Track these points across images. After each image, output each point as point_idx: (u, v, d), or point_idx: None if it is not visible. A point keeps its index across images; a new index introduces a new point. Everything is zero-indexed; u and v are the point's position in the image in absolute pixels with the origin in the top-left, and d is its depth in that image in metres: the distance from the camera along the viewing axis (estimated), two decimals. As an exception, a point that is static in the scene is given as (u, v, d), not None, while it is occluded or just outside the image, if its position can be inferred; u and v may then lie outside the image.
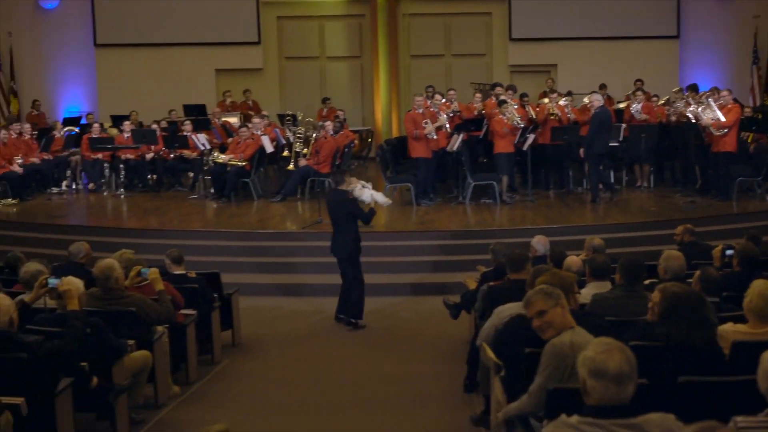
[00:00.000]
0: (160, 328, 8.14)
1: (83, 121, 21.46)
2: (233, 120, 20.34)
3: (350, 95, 23.76)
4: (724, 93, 15.92)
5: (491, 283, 8.55)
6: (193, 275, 9.89)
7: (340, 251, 11.18)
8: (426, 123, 15.70)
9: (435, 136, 15.95)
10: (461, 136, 15.95)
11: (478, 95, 18.05)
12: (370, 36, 23.21)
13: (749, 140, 17.23)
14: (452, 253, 13.63)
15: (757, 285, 5.82)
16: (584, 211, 15.54)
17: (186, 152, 18.24)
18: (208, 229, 14.56)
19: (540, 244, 10.18)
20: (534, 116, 16.88)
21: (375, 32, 22.96)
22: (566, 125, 16.78)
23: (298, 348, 10.47)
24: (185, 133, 18.28)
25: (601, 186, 16.18)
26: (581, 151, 16.00)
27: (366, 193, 11.16)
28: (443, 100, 16.76)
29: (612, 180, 16.72)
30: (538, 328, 5.45)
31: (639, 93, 17.89)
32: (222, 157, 16.87)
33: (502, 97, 16.59)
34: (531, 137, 16.26)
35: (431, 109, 16.17)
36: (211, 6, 23.17)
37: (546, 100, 17.71)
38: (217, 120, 19.84)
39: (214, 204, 16.60)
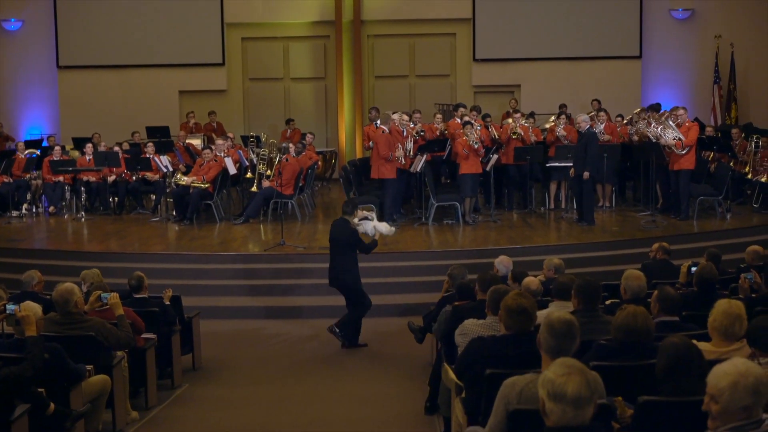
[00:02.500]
0: (119, 353, 8.06)
1: (44, 144, 21.27)
2: (196, 142, 20.28)
3: (314, 116, 23.73)
4: (680, 112, 16.07)
5: (456, 303, 8.53)
6: (170, 294, 9.87)
7: (335, 282, 11.27)
8: (398, 147, 15.71)
9: (403, 162, 15.97)
10: (424, 156, 15.96)
11: (439, 116, 18.07)
12: (334, 57, 23.23)
13: (710, 159, 17.37)
14: (415, 274, 13.61)
15: (721, 304, 5.86)
16: (547, 231, 15.59)
17: (148, 174, 18.12)
18: (170, 252, 14.45)
19: (502, 264, 10.22)
20: (497, 137, 16.92)
21: (339, 53, 22.97)
22: (529, 145, 16.83)
23: (260, 371, 10.40)
24: (148, 155, 18.17)
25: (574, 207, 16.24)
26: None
27: (368, 225, 11.19)
28: (411, 124, 16.75)
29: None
30: None
31: (602, 114, 17.95)
32: (184, 179, 16.77)
33: (466, 118, 16.60)
34: (494, 158, 16.31)
35: (398, 129, 16.12)
36: (175, 27, 23.12)
37: (509, 121, 17.77)
38: (180, 142, 19.75)
39: (176, 226, 16.49)
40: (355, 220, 10.99)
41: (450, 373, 6.72)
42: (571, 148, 16.42)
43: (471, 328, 6.83)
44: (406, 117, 16.53)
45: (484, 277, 8.02)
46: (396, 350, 11.18)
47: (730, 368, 4.00)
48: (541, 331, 5.03)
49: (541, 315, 7.02)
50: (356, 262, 11.22)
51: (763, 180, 16.88)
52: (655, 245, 11.25)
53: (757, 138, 17.25)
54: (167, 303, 9.78)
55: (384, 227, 11.45)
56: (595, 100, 19.99)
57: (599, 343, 6.03)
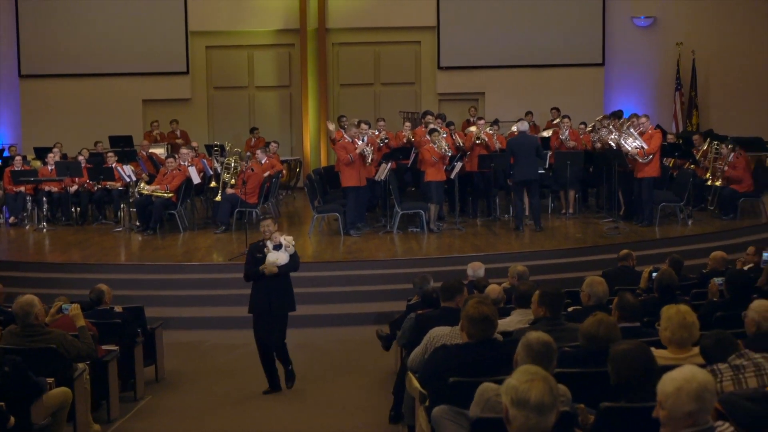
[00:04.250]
0: (80, 365, 7.98)
1: (6, 154, 21.08)
2: (160, 151, 20.16)
3: (279, 125, 23.70)
4: (643, 120, 16.20)
5: (419, 312, 8.53)
6: (120, 310, 9.76)
7: (288, 306, 10.20)
8: (356, 146, 15.66)
9: (369, 153, 15.87)
10: (389, 164, 15.97)
11: (408, 124, 18.10)
12: (299, 65, 23.20)
13: (671, 165, 17.51)
14: (380, 282, 13.60)
15: (674, 315, 5.86)
16: (510, 238, 15.61)
17: (111, 184, 17.97)
18: (133, 263, 14.39)
19: (472, 269, 10.29)
20: (461, 144, 16.96)
21: (304, 62, 22.95)
22: (493, 153, 16.87)
23: (223, 382, 10.34)
24: (110, 165, 18.04)
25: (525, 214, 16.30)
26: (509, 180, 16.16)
27: (271, 255, 9.85)
28: (375, 132, 16.75)
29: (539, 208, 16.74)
30: None
31: (566, 120, 18.03)
32: (148, 189, 16.68)
33: (432, 126, 16.62)
34: (458, 165, 16.34)
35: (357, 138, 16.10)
36: (138, 36, 23.02)
37: (473, 128, 17.82)
38: (143, 151, 19.63)
39: (140, 236, 16.41)
40: (269, 243, 9.91)
41: (414, 382, 6.72)
42: (494, 157, 16.56)
43: (439, 336, 6.82)
44: (365, 126, 16.44)
45: (447, 285, 8.02)
46: (361, 359, 11.17)
47: (677, 374, 4.04)
48: (519, 351, 5.08)
49: (503, 323, 7.06)
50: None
51: (717, 184, 17.08)
52: (623, 251, 11.34)
53: (717, 144, 17.39)
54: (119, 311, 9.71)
55: (282, 257, 9.97)
56: (554, 108, 20.10)
57: (563, 350, 6.04)
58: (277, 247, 9.76)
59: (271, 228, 9.84)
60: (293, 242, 9.94)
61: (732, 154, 16.85)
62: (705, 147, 17.98)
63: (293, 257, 9.89)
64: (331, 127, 17.99)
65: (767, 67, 23.20)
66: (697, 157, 17.60)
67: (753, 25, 23.17)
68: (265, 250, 9.72)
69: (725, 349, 5.47)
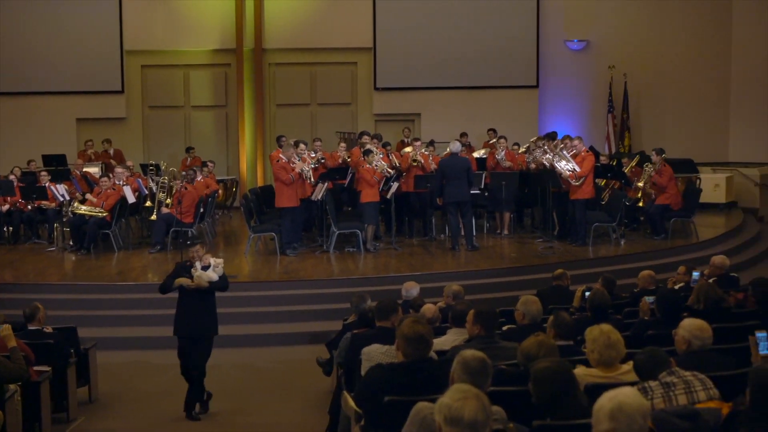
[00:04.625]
0: (12, 387, 7.87)
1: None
2: (94, 170, 19.96)
3: (215, 144, 23.59)
4: (575, 142, 16.43)
5: (355, 331, 8.56)
6: (50, 330, 9.64)
7: (213, 329, 10.02)
8: (293, 164, 15.66)
9: (308, 172, 15.90)
10: (326, 184, 15.99)
11: (343, 144, 18.16)
12: (235, 85, 23.15)
13: (603, 185, 17.73)
14: (317, 302, 13.61)
15: (598, 336, 5.96)
16: (446, 258, 15.71)
17: (44, 203, 17.75)
18: (66, 283, 14.20)
19: (407, 290, 10.34)
20: (398, 164, 17.05)
21: (240, 81, 22.91)
22: (429, 173, 16.96)
23: (158, 403, 10.26)
24: (44, 184, 17.81)
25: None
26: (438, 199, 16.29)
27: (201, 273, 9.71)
28: (311, 153, 16.76)
29: (473, 228, 16.85)
30: None
31: (502, 141, 18.20)
32: (82, 208, 16.52)
33: (369, 147, 16.68)
34: (395, 185, 16.41)
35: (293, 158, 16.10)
36: (73, 54, 22.78)
37: (409, 149, 17.93)
38: (77, 170, 19.42)
39: (73, 256, 16.23)
40: (197, 264, 9.75)
41: (350, 401, 6.72)
42: (430, 177, 16.69)
43: (375, 355, 6.85)
44: (303, 147, 16.45)
45: (382, 305, 8.06)
46: (297, 379, 11.15)
47: (606, 394, 4.12)
48: (455, 369, 5.12)
49: (438, 342, 7.11)
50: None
51: (641, 205, 17.37)
52: (558, 271, 11.48)
53: (648, 165, 17.64)
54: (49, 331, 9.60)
55: (212, 276, 9.82)
56: (491, 129, 20.26)
57: (499, 368, 6.11)
58: (206, 267, 9.70)
59: (200, 253, 9.79)
60: (222, 264, 9.88)
61: (659, 159, 17.02)
62: (636, 168, 18.28)
63: (222, 278, 9.83)
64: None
65: (698, 91, 23.67)
66: (629, 178, 17.80)
67: (684, 49, 23.61)
68: (193, 270, 9.64)
69: (658, 365, 5.56)
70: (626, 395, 4.08)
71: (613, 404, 4.04)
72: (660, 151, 17.12)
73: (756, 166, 22.39)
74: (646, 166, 17.46)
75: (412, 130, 21.78)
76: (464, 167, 16.06)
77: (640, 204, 17.50)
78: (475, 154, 19.18)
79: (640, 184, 17.36)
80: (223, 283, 9.85)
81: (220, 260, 9.90)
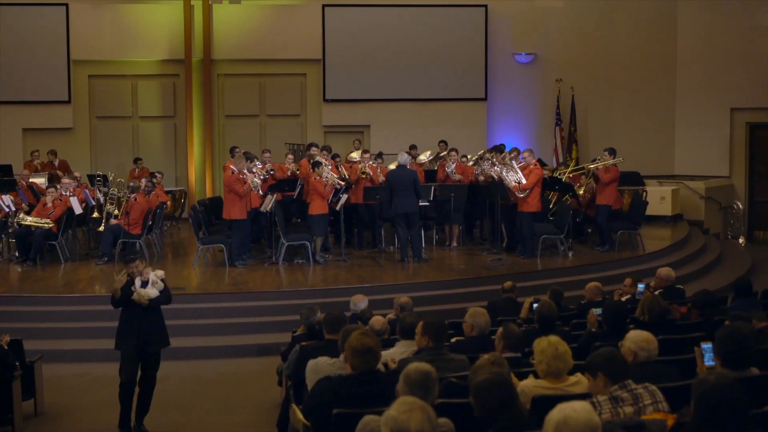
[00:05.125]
0: (-45, 400, 7.79)
1: None
2: (40, 180, 19.74)
3: (164, 155, 23.46)
4: (525, 154, 16.58)
5: (303, 343, 8.56)
6: (7, 339, 9.57)
7: (161, 342, 9.87)
8: (245, 176, 15.66)
9: (258, 183, 15.97)
10: (275, 196, 15.98)
11: (290, 156, 18.16)
12: (184, 96, 23.03)
13: (551, 198, 17.88)
14: (266, 314, 13.59)
15: (546, 347, 6.01)
16: (396, 269, 15.74)
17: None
18: (11, 294, 14.05)
19: (355, 303, 10.36)
20: (347, 176, 17.07)
21: (189, 92, 22.80)
22: (378, 185, 17.00)
23: (105, 416, 10.14)
24: (-11, 195, 17.60)
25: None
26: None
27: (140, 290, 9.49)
28: (260, 165, 16.75)
29: (421, 240, 16.91)
30: None
31: (453, 153, 18.30)
32: (28, 219, 16.35)
33: (318, 158, 16.69)
34: (344, 197, 16.43)
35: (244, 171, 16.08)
36: (19, 64, 22.54)
37: (354, 155, 17.99)
38: (23, 181, 19.18)
39: (19, 267, 16.06)
40: (137, 281, 9.52)
41: (298, 414, 6.71)
42: (379, 189, 16.79)
43: (322, 367, 6.85)
44: (257, 162, 16.46)
45: (330, 317, 8.07)
46: (246, 391, 11.12)
47: (558, 406, 4.15)
48: (399, 382, 5.15)
49: (387, 354, 7.13)
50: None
51: (590, 214, 17.55)
52: (508, 283, 11.61)
53: (590, 166, 17.80)
54: (5, 347, 9.49)
55: (151, 292, 9.58)
56: (442, 141, 20.34)
57: (448, 380, 6.14)
58: (145, 283, 9.51)
59: (140, 269, 9.57)
60: (163, 276, 9.71)
61: (611, 158, 17.14)
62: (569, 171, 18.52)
63: (164, 291, 9.65)
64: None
65: (644, 104, 23.95)
66: (576, 191, 17.95)
67: (630, 63, 23.91)
68: (133, 288, 9.41)
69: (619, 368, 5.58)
70: (574, 409, 4.11)
71: (560, 417, 4.08)
72: (612, 151, 17.26)
73: (701, 180, 22.73)
74: (587, 165, 17.57)
75: (362, 142, 21.78)
76: (411, 179, 16.13)
77: (590, 213, 17.67)
78: (422, 157, 19.25)
79: (581, 192, 17.54)
80: (164, 298, 9.66)
81: (161, 272, 9.73)
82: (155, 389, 9.70)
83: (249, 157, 16.12)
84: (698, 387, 4.75)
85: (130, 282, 9.48)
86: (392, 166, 17.12)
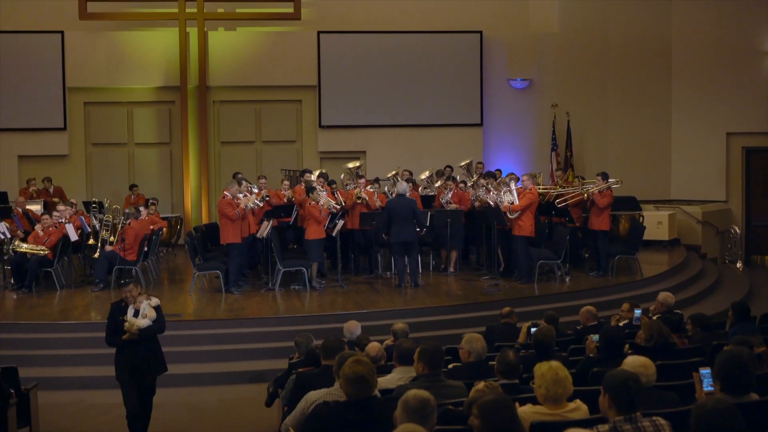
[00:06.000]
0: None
1: None
2: (36, 207, 19.71)
3: (159, 182, 23.45)
4: (524, 178, 16.58)
5: (300, 370, 8.52)
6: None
7: (157, 369, 9.97)
8: (238, 200, 15.67)
9: (257, 204, 16.02)
10: (271, 222, 15.96)
11: (286, 182, 18.16)
12: (179, 122, 23.05)
13: (546, 223, 17.85)
14: (262, 340, 13.53)
15: (546, 372, 5.97)
16: (393, 295, 15.70)
17: (-15, 242, 17.49)
18: (7, 322, 13.97)
19: (349, 330, 10.29)
20: (343, 202, 17.06)
21: (185, 119, 22.82)
22: (374, 211, 16.99)
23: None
24: (-16, 222, 17.56)
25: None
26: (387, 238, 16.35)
27: (131, 320, 9.54)
28: (255, 189, 16.77)
29: (418, 267, 16.90)
30: None
31: (450, 183, 18.31)
32: (23, 246, 16.31)
33: (314, 185, 16.69)
34: (340, 223, 16.41)
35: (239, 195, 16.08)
36: (15, 90, 22.54)
37: (350, 164, 18.04)
38: (18, 208, 19.16)
39: (14, 295, 16.01)
40: (130, 309, 9.57)
41: (296, 440, 6.68)
42: (375, 215, 16.84)
43: (315, 400, 6.80)
44: (245, 183, 16.51)
45: (328, 343, 8.04)
46: (241, 418, 11.08)
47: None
48: (398, 409, 5.13)
49: (384, 381, 7.09)
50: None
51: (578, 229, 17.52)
52: (506, 309, 11.59)
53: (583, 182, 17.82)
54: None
55: (142, 322, 9.57)
56: (448, 166, 20.24)
57: (445, 408, 6.10)
58: (137, 313, 9.49)
59: (134, 294, 9.58)
60: (158, 303, 9.65)
61: (605, 183, 17.09)
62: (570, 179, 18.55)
63: (157, 320, 9.62)
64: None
65: (640, 129, 24.00)
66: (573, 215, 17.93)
67: (626, 87, 23.99)
68: (124, 318, 9.41)
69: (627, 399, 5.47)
70: None
71: None
72: (605, 176, 17.23)
73: (698, 204, 22.74)
74: (583, 190, 17.51)
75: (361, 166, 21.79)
76: (410, 208, 16.14)
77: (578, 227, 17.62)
78: (422, 176, 19.26)
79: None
80: (157, 327, 9.64)
81: (156, 300, 9.68)
82: (152, 416, 9.64)
83: (239, 181, 16.19)
84: (696, 411, 4.72)
85: (124, 307, 9.43)
86: (387, 189, 17.14)
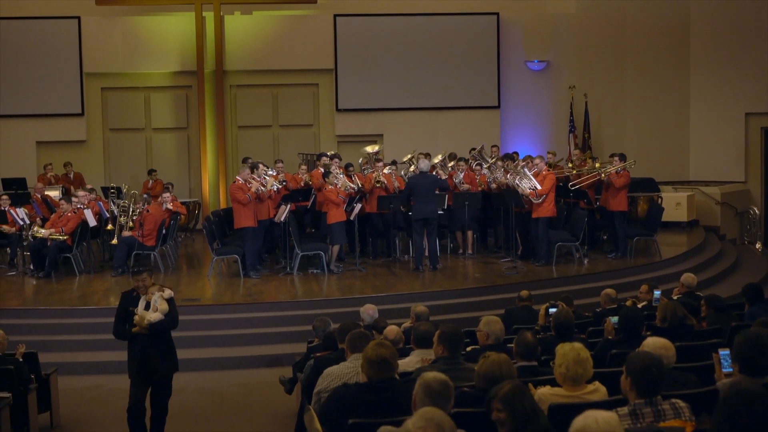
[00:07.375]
0: (-29, 414, 7.77)
1: None
2: (54, 193, 19.77)
3: (177, 167, 23.48)
4: (537, 161, 16.55)
5: (317, 354, 8.53)
6: (22, 350, 9.56)
7: (170, 368, 9.43)
8: (250, 184, 15.68)
9: (270, 187, 16.03)
10: (288, 206, 15.96)
11: (303, 167, 18.15)
12: (196, 107, 23.05)
13: (565, 205, 17.80)
14: (280, 324, 13.56)
15: (568, 351, 5.95)
16: (411, 279, 15.69)
17: (4, 227, 17.52)
18: (27, 307, 14.03)
19: (366, 313, 10.27)
20: (361, 185, 17.04)
21: (202, 103, 22.82)
22: (392, 194, 16.98)
23: (121, 428, 10.09)
24: (3, 208, 17.61)
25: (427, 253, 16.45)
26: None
27: (141, 313, 9.10)
28: (271, 172, 16.76)
29: (437, 248, 16.89)
30: None
31: (461, 163, 18.27)
32: (42, 232, 16.37)
33: (333, 168, 16.68)
34: (358, 206, 16.40)
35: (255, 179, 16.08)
36: (32, 77, 22.60)
37: (368, 148, 18.09)
38: (37, 194, 19.22)
39: (34, 280, 16.09)
40: (141, 301, 9.14)
41: (315, 423, 6.67)
42: (393, 198, 16.88)
43: (335, 375, 6.83)
44: (264, 168, 16.52)
45: (345, 327, 8.04)
46: (261, 402, 11.09)
47: (586, 412, 4.10)
48: (417, 391, 5.12)
49: (403, 363, 7.09)
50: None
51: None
52: (524, 292, 11.57)
53: (598, 163, 17.75)
54: (20, 360, 9.48)
55: (153, 316, 9.10)
56: (473, 148, 20.09)
57: (462, 390, 6.08)
58: (148, 305, 9.08)
59: (147, 283, 9.15)
60: (171, 295, 9.18)
61: (621, 164, 17.00)
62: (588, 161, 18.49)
63: (169, 314, 9.09)
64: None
65: (658, 110, 23.89)
66: (591, 198, 17.87)
67: (644, 68, 23.86)
68: (135, 309, 9.03)
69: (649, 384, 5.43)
70: (597, 420, 4.07)
71: (579, 425, 4.03)
72: (623, 157, 17.14)
73: (716, 185, 22.63)
74: (600, 170, 17.40)
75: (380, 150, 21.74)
76: (433, 184, 16.15)
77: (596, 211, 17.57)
78: (435, 160, 19.22)
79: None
80: (168, 323, 9.11)
81: (169, 291, 9.21)
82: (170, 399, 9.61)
83: (252, 166, 16.20)
84: (728, 390, 4.65)
85: (135, 297, 9.23)
86: (403, 173, 17.14)
